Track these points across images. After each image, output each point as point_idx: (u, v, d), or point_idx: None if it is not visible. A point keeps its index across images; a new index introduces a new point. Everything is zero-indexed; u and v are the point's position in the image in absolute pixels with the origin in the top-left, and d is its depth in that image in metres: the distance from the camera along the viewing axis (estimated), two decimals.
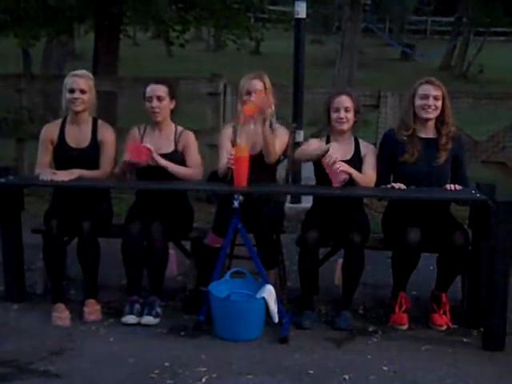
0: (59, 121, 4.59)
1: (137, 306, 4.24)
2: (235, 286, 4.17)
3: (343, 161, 4.40)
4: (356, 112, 4.44)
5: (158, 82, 4.50)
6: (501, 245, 3.90)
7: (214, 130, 6.82)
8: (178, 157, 4.48)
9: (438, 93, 4.31)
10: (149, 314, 4.20)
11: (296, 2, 6.64)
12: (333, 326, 4.22)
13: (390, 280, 4.37)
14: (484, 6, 21.66)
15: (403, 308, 4.27)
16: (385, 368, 3.71)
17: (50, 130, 4.56)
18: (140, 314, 4.21)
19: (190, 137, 4.55)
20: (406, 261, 4.22)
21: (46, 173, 4.35)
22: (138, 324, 4.17)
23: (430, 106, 4.31)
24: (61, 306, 4.27)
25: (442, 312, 4.26)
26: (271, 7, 16.04)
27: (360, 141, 4.52)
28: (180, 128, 4.58)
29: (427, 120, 4.34)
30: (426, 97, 4.31)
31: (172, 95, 4.50)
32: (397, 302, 4.28)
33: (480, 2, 21.80)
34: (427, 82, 4.35)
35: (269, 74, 4.55)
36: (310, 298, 4.34)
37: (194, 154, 4.51)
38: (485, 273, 4.04)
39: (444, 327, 4.24)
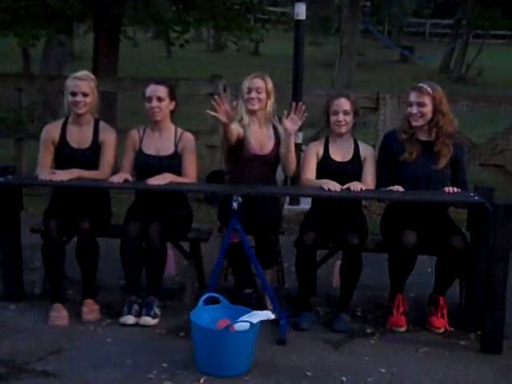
0: (60, 121, 4.58)
1: (135, 307, 4.24)
2: (218, 313, 3.80)
3: (342, 162, 4.42)
4: (355, 114, 4.45)
5: (158, 82, 4.50)
6: (499, 248, 3.90)
7: (214, 131, 6.83)
8: (178, 159, 4.48)
9: (423, 99, 4.23)
10: (147, 314, 4.20)
11: (296, 4, 6.65)
12: (331, 327, 4.22)
13: (388, 282, 4.36)
14: (483, 8, 21.73)
15: (401, 310, 4.27)
16: (382, 370, 3.71)
17: (51, 131, 4.55)
18: (138, 315, 4.20)
19: (190, 139, 4.54)
20: (402, 263, 4.21)
21: (45, 172, 4.35)
22: (137, 324, 4.17)
23: (414, 114, 4.27)
24: (59, 305, 4.27)
25: (439, 315, 4.27)
26: (271, 8, 16.07)
27: (359, 142, 4.52)
28: (180, 130, 4.56)
29: (416, 126, 4.32)
30: (410, 104, 4.28)
31: (172, 96, 4.49)
32: (394, 304, 4.28)
33: (479, 4, 21.86)
34: (413, 89, 4.29)
35: (268, 75, 4.57)
36: (308, 299, 4.34)
37: (190, 161, 4.48)
38: (483, 276, 4.05)
39: (442, 330, 4.24)
